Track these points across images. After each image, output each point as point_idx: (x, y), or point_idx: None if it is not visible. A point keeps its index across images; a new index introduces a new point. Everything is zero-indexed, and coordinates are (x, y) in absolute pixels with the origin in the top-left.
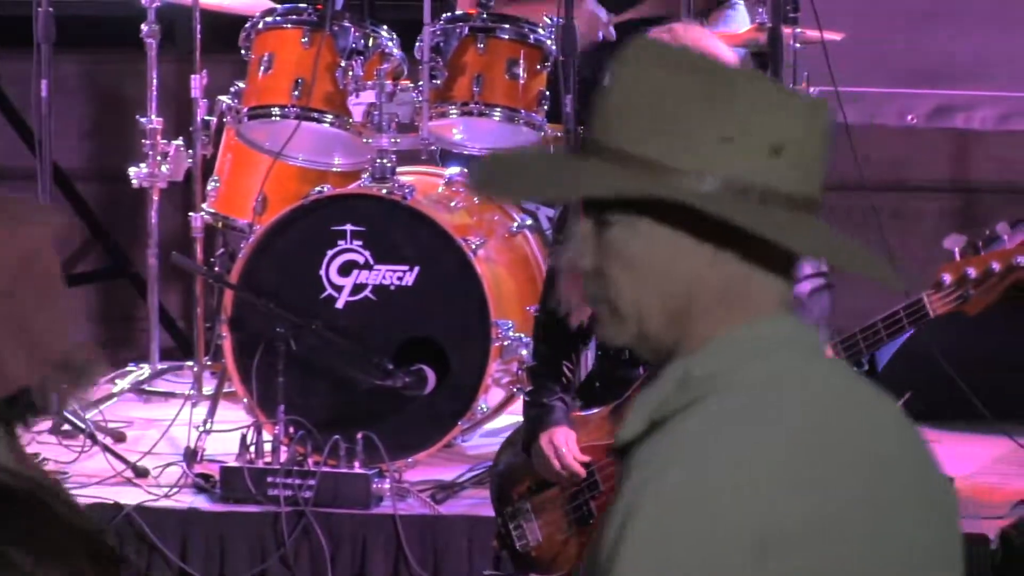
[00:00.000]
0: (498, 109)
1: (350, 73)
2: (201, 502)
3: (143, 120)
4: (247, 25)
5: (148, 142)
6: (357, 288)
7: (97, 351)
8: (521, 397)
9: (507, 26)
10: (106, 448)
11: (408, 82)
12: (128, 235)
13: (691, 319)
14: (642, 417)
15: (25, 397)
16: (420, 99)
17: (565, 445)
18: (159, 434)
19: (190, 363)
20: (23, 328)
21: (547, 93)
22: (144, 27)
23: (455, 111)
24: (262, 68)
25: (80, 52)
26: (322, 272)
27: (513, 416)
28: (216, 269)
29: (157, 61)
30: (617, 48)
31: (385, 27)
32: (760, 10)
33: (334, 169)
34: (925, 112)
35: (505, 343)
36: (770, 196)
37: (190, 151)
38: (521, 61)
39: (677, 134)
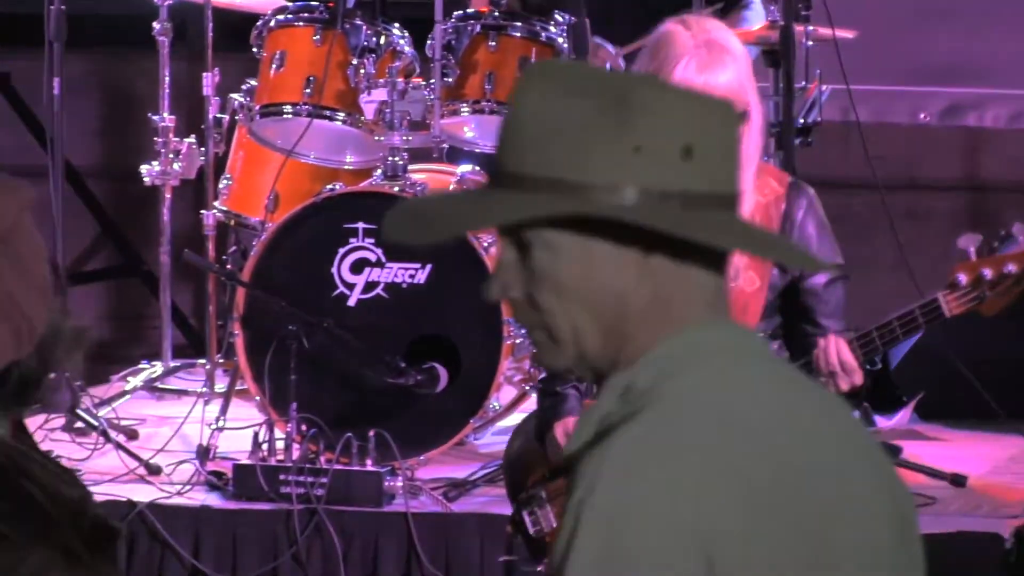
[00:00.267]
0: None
1: (362, 71)
2: (213, 499)
3: (155, 118)
4: (259, 23)
5: (160, 140)
6: (369, 286)
7: (81, 321)
8: (533, 395)
9: (519, 24)
10: (119, 445)
11: (420, 80)
12: (140, 233)
13: (626, 334)
14: (588, 430)
15: (15, 373)
16: (432, 97)
17: None
18: (172, 432)
19: (202, 361)
20: (6, 302)
21: None
22: (156, 25)
23: (467, 109)
24: (274, 66)
25: (92, 50)
26: (334, 270)
27: (525, 414)
28: (228, 267)
29: (169, 59)
30: None
31: (397, 25)
32: (772, 8)
33: (346, 167)
34: (937, 110)
35: (517, 341)
36: (688, 198)
37: (202, 149)
38: (533, 59)
39: (583, 151)
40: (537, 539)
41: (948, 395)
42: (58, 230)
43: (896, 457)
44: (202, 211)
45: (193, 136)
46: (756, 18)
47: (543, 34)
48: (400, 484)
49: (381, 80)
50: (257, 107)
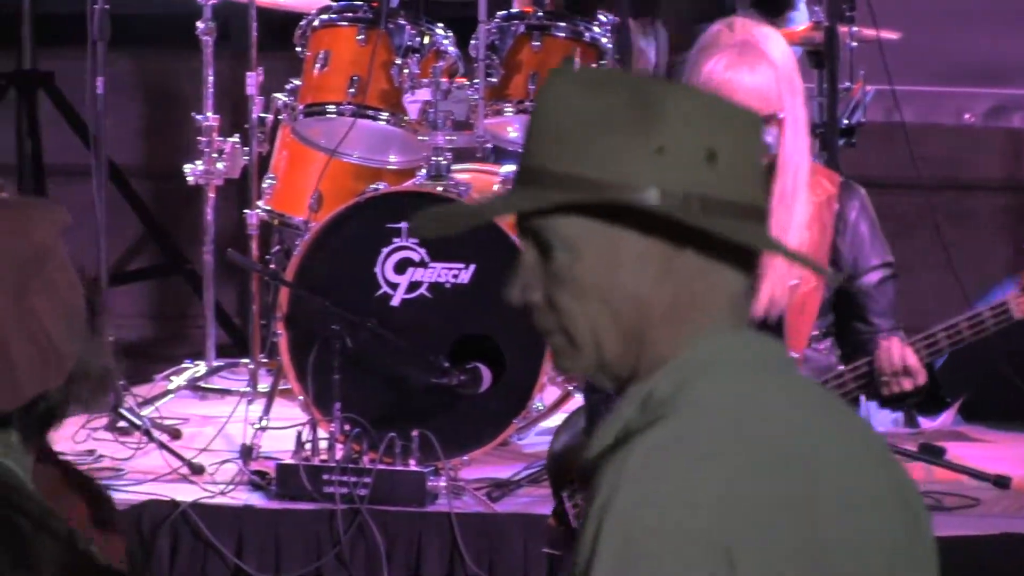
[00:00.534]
0: None
1: (405, 71)
2: (257, 499)
3: (199, 117)
4: (302, 22)
5: (204, 139)
6: (413, 286)
7: (115, 356)
8: (576, 396)
9: (563, 24)
10: (162, 445)
11: (463, 80)
12: (183, 232)
13: (646, 339)
14: (605, 439)
15: (42, 404)
16: (475, 97)
17: None
18: (215, 431)
19: (246, 360)
20: (36, 332)
21: None
22: (200, 24)
23: (511, 109)
24: (318, 65)
25: (135, 50)
26: (377, 269)
27: (568, 414)
28: (271, 266)
29: (213, 58)
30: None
31: (440, 24)
32: (816, 8)
33: (389, 167)
34: (982, 111)
35: None
36: (710, 203)
37: (246, 148)
38: (577, 59)
39: (605, 148)
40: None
41: (992, 396)
42: (101, 229)
43: (940, 458)
44: (245, 210)
45: (236, 135)
46: (800, 19)
47: (587, 34)
48: (443, 484)
49: (425, 80)
50: (301, 107)
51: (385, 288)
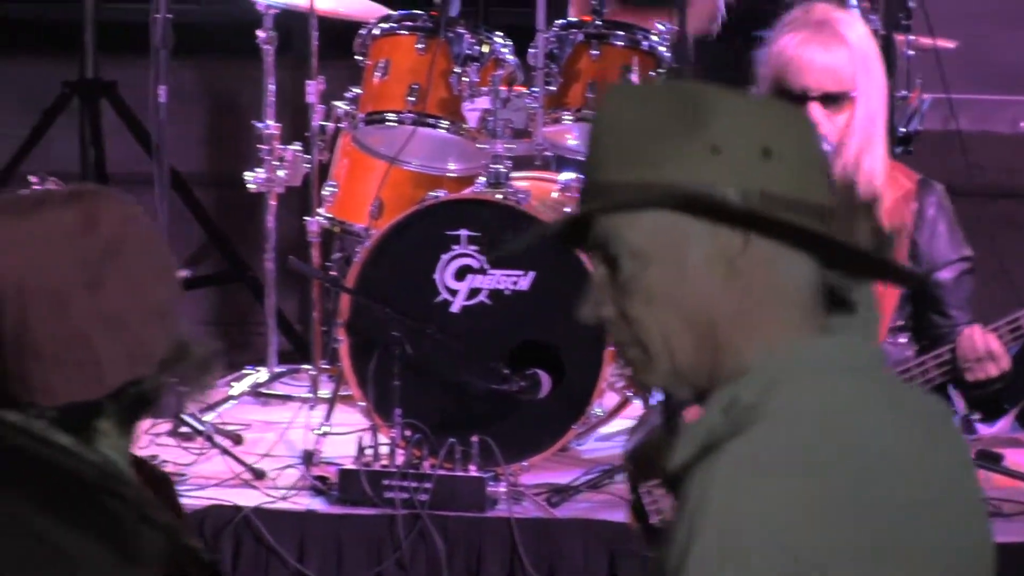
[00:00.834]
0: None
1: (464, 79)
2: (318, 504)
3: (260, 125)
4: (362, 31)
5: (265, 147)
6: (472, 292)
7: (213, 344)
8: (635, 401)
9: (621, 33)
10: (224, 451)
11: (522, 88)
12: (245, 239)
13: (718, 342)
14: (692, 444)
15: (133, 391)
16: (534, 105)
17: None
18: (276, 437)
19: (307, 366)
20: (116, 321)
21: None
22: (261, 33)
23: (569, 117)
24: (377, 74)
25: (197, 58)
26: (436, 276)
27: (628, 421)
28: (332, 273)
29: (274, 67)
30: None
31: (500, 33)
32: (873, 17)
33: (449, 174)
34: None
35: None
36: (770, 199)
37: (307, 156)
38: (635, 67)
39: (663, 154)
40: (658, 528)
41: None
42: (164, 237)
43: (997, 464)
44: (306, 218)
45: (297, 143)
46: None
47: (644, 43)
48: (503, 489)
49: (484, 88)
50: (361, 115)
51: (444, 294)
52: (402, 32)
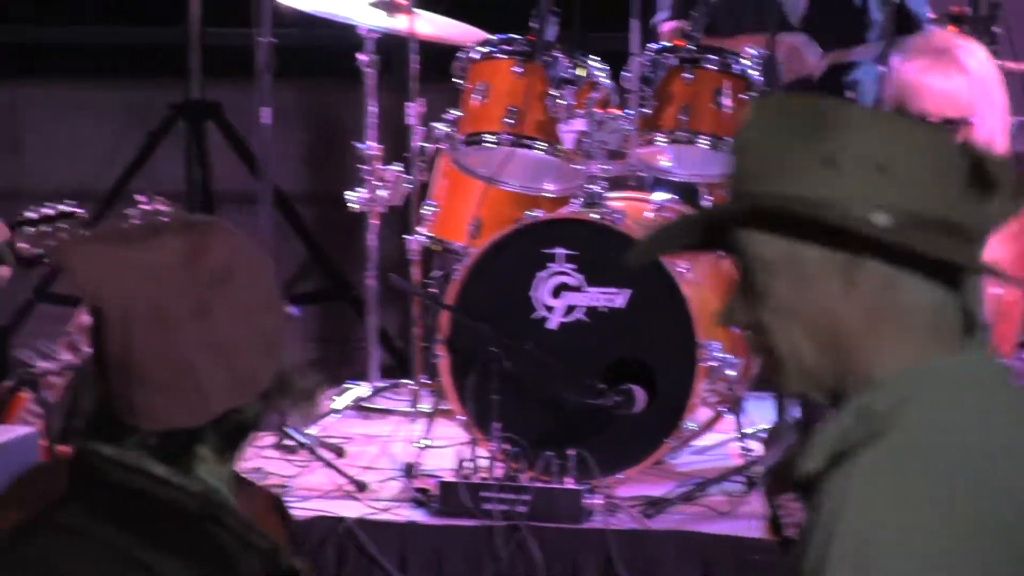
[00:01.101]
0: (705, 137)
1: (561, 102)
2: (419, 516)
3: (361, 146)
4: (461, 55)
5: (366, 167)
6: (568, 309)
7: (315, 372)
8: (727, 416)
9: (714, 57)
10: (327, 463)
11: (617, 110)
12: (347, 257)
13: (845, 350)
14: (823, 451)
15: (234, 418)
16: (629, 127)
17: None
18: (378, 450)
19: (408, 381)
20: (221, 350)
21: None
22: (362, 57)
23: (663, 139)
24: (476, 97)
25: (299, 81)
26: (532, 293)
27: (720, 435)
28: (432, 290)
29: (375, 89)
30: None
31: (595, 57)
32: None
33: (545, 194)
34: None
35: (712, 364)
36: (889, 212)
37: (407, 176)
38: (727, 91)
39: (784, 166)
40: (793, 540)
41: None
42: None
43: None
44: (407, 236)
45: (398, 164)
46: None
47: (735, 67)
48: (599, 502)
49: (579, 111)
50: (461, 136)
51: (541, 311)
52: (500, 56)
